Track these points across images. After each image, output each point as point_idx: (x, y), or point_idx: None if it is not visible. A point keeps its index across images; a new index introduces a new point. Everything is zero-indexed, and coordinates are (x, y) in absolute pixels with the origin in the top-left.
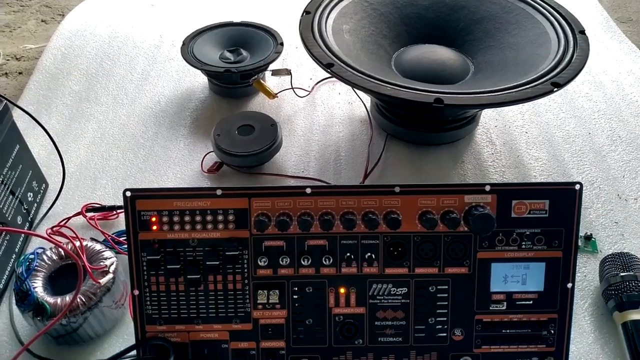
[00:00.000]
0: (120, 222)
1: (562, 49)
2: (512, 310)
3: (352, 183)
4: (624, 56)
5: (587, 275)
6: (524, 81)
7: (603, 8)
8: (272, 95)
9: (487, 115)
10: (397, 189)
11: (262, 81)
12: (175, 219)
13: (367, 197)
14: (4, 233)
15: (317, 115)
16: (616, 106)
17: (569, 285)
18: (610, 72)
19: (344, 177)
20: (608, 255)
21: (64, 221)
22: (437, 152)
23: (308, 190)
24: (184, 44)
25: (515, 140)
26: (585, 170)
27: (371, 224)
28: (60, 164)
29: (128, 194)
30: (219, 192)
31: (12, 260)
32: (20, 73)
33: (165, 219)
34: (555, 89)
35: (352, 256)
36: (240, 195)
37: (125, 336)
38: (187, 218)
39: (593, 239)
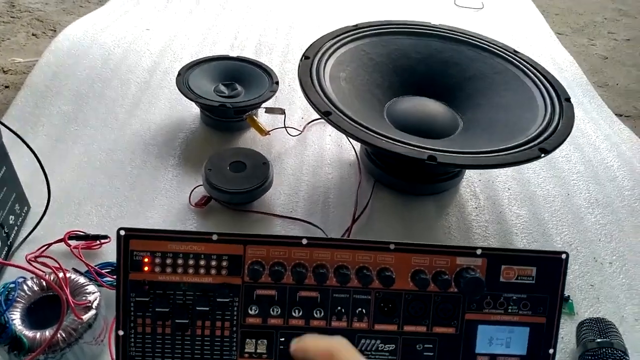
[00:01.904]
0: (103, 252)
1: (548, 114)
2: None
3: (340, 227)
4: (601, 121)
5: (563, 337)
6: (513, 144)
7: (583, 72)
8: (264, 133)
9: (472, 170)
10: (392, 247)
11: (255, 117)
12: (168, 261)
13: (362, 252)
14: None
15: (308, 155)
16: (593, 169)
17: (551, 351)
18: (589, 135)
19: (332, 220)
20: (585, 320)
21: (45, 247)
22: (423, 202)
23: (304, 241)
24: (179, 74)
25: (498, 196)
26: (564, 231)
27: (365, 280)
28: (45, 186)
29: (122, 232)
30: (214, 237)
31: None
32: (6, 87)
33: (157, 260)
34: (543, 155)
35: (343, 310)
36: (236, 242)
37: None
38: (180, 261)
39: (570, 301)
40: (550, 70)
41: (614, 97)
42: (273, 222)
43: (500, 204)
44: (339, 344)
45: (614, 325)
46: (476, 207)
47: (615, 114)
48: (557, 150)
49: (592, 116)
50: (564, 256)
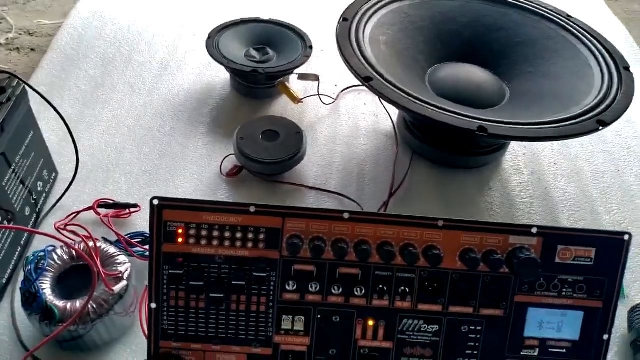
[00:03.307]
0: (132, 221)
1: (606, 84)
2: (545, 358)
3: (376, 201)
4: None
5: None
6: (567, 116)
7: (634, 40)
8: (297, 100)
9: (516, 143)
10: (440, 223)
11: (287, 84)
12: (203, 233)
13: (408, 229)
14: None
15: (341, 125)
16: None
17: (606, 337)
18: None
19: (367, 193)
20: (638, 304)
21: (73, 215)
22: (464, 176)
23: (346, 216)
24: (209, 37)
25: (543, 171)
26: (613, 210)
27: (410, 258)
28: (73, 152)
29: (155, 202)
30: (252, 209)
31: (17, 252)
32: (32, 50)
33: (192, 232)
34: (601, 128)
35: (385, 288)
36: (275, 214)
37: (133, 347)
38: (215, 233)
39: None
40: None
41: None
42: (306, 194)
43: (546, 179)
44: None
45: None
46: (520, 183)
47: None
48: None
49: None
50: (626, 237)
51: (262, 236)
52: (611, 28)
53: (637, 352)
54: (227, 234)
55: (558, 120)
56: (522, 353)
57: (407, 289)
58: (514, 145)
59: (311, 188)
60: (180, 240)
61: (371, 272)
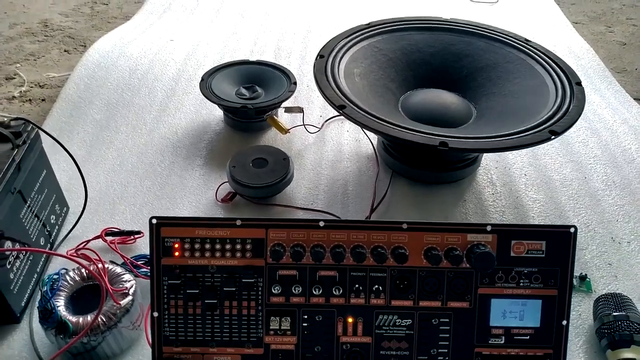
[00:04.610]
0: (137, 246)
1: (559, 99)
2: (510, 345)
3: (359, 217)
4: (619, 105)
5: (581, 314)
6: (523, 128)
7: (600, 59)
8: (284, 131)
9: (488, 157)
10: (404, 226)
11: (275, 117)
12: (197, 246)
13: (376, 232)
14: (27, 254)
15: (327, 151)
16: (611, 153)
17: (564, 322)
18: (606, 120)
19: (351, 210)
20: (601, 296)
21: (84, 243)
22: (440, 191)
23: (321, 224)
24: (202, 79)
25: (514, 182)
26: (581, 213)
27: (380, 258)
28: (82, 188)
29: (154, 221)
30: (238, 222)
31: (34, 280)
32: (43, 100)
33: (187, 245)
34: (553, 137)
35: (361, 287)
36: (258, 226)
37: (140, 357)
38: (207, 246)
39: (588, 279)
40: (566, 59)
41: (632, 82)
42: (295, 214)
43: (517, 189)
44: None
45: (631, 300)
46: (493, 194)
47: (635, 99)
48: (573, 136)
49: (609, 101)
50: (572, 230)
51: (248, 246)
52: (579, 49)
53: (602, 337)
54: (217, 246)
55: (515, 133)
56: (489, 342)
57: (380, 287)
58: (486, 160)
59: (299, 208)
60: (176, 253)
61: (347, 273)
